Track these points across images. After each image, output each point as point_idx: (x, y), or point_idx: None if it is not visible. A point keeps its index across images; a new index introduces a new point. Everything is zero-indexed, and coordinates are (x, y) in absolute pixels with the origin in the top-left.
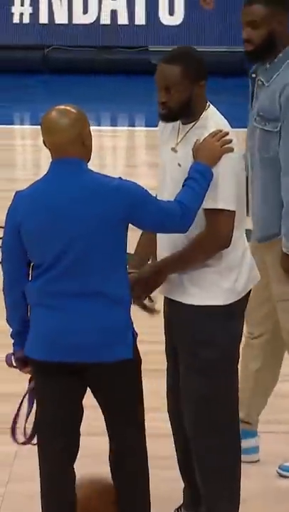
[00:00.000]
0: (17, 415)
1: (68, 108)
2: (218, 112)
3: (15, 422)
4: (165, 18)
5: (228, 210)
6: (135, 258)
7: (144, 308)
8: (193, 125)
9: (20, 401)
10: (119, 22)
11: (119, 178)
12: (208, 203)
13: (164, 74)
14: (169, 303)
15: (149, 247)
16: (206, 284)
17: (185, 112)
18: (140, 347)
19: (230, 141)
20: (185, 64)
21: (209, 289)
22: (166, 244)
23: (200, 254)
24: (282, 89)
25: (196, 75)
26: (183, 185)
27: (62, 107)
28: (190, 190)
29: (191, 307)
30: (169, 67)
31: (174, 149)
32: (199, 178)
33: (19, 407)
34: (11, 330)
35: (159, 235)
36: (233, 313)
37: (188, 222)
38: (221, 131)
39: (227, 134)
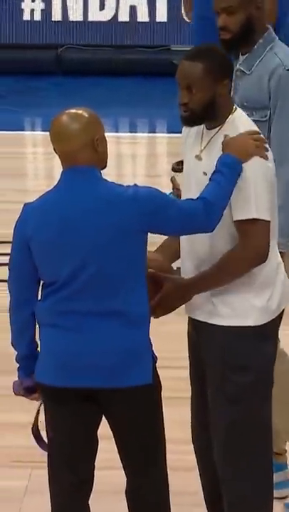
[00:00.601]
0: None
1: (79, 112)
2: (245, 114)
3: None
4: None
5: (263, 220)
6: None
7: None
8: (219, 129)
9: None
10: (139, 19)
11: (135, 185)
12: (239, 213)
13: (186, 71)
14: (195, 323)
15: (172, 247)
16: (237, 303)
17: (209, 115)
18: (159, 372)
19: (266, 145)
20: (208, 60)
21: (241, 308)
22: (189, 256)
23: (234, 270)
24: (270, 73)
25: (220, 73)
26: (209, 180)
27: (73, 110)
28: (216, 185)
29: (221, 328)
30: (191, 64)
31: (198, 157)
32: (227, 171)
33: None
34: (16, 354)
35: (181, 247)
36: (266, 335)
37: (214, 220)
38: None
39: (263, 139)
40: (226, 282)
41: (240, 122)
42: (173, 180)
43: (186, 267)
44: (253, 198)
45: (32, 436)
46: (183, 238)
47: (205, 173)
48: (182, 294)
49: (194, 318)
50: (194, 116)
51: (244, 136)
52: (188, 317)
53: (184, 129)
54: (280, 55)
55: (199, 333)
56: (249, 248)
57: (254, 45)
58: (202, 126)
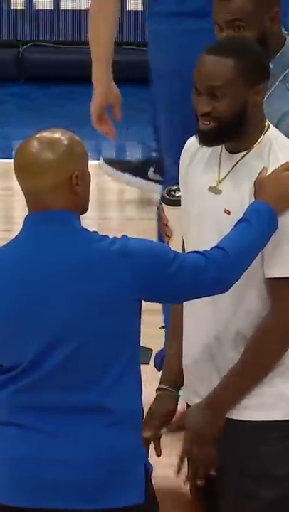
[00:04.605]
0: None
1: (56, 136)
2: (282, 134)
3: None
4: None
5: None
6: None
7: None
8: (247, 153)
9: None
10: (130, 7)
11: (124, 237)
12: (272, 270)
13: (210, 70)
14: None
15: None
16: (262, 392)
17: (237, 131)
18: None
19: None
20: (241, 56)
21: (267, 398)
22: (196, 326)
23: (269, 352)
24: (279, 118)
25: (255, 75)
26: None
27: (47, 134)
28: (237, 235)
29: (240, 425)
30: (218, 60)
31: (214, 189)
32: (256, 221)
33: None
34: None
35: (185, 314)
36: None
37: (229, 279)
38: None
39: None
40: (266, 372)
41: (278, 146)
42: (161, 212)
43: (191, 346)
44: None
45: None
46: (188, 302)
47: (227, 212)
48: (211, 418)
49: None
50: (221, 130)
51: (282, 176)
52: (188, 407)
53: (185, 150)
54: None
55: None
56: (285, 313)
57: None
58: (220, 147)
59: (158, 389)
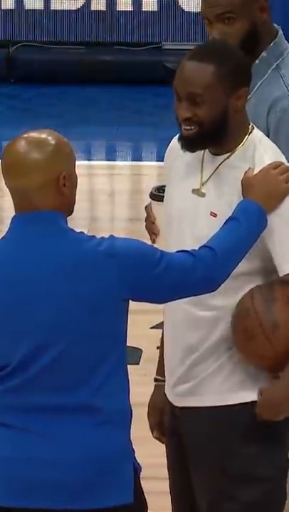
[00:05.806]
0: None
1: (43, 136)
2: (265, 136)
3: None
4: (187, 2)
5: None
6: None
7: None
8: (230, 155)
9: None
10: (119, 8)
11: (111, 237)
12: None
13: (189, 76)
14: (183, 415)
15: None
16: (244, 395)
17: (219, 136)
18: (143, 486)
19: None
20: (222, 61)
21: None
22: (179, 326)
23: None
24: (271, 104)
25: (236, 79)
26: (221, 228)
27: (35, 134)
28: (227, 234)
29: (222, 425)
30: (198, 65)
31: (197, 191)
32: (245, 220)
33: None
34: None
35: (166, 316)
36: (277, 433)
37: (218, 278)
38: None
39: None
40: None
41: (263, 148)
42: (149, 210)
43: (173, 348)
44: None
45: None
46: (168, 308)
47: (214, 214)
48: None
49: (179, 407)
50: (202, 136)
51: (271, 174)
52: (172, 407)
53: (169, 152)
54: (287, 79)
55: (189, 431)
56: None
57: (256, 59)
58: (204, 150)
59: (155, 379)
